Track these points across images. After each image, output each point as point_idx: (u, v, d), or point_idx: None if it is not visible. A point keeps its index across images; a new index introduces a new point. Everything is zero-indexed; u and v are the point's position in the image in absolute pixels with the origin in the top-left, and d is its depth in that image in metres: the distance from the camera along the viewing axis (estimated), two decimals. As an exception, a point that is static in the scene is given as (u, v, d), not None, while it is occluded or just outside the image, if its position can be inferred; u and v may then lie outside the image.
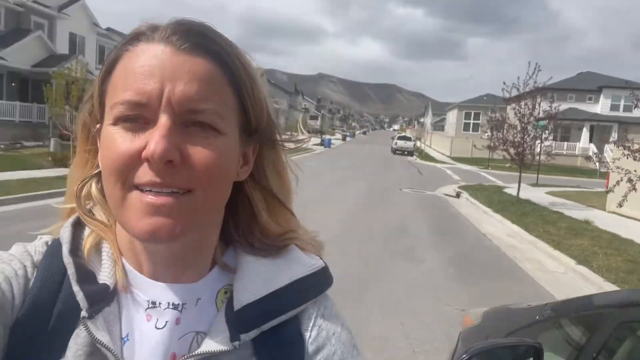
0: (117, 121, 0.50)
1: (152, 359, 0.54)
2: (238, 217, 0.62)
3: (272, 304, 0.56)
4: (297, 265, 0.60)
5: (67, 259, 0.54)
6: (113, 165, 0.49)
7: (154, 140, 0.47)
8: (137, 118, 0.49)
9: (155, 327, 0.54)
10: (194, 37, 0.51)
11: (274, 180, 0.62)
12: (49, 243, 0.59)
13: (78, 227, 0.59)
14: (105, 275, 0.55)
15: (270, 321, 0.56)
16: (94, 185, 0.60)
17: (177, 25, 0.52)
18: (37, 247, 0.58)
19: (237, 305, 0.56)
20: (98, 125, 0.55)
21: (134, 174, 0.49)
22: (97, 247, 0.57)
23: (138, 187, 0.49)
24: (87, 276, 0.54)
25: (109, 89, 0.52)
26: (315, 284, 0.61)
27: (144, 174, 0.48)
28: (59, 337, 0.51)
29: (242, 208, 0.62)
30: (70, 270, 0.53)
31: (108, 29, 30.40)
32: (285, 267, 0.60)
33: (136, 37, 0.53)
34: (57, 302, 0.53)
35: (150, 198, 0.48)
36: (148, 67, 0.49)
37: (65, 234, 0.57)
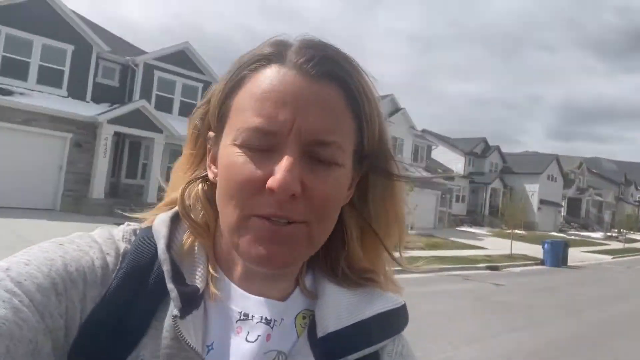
0: (242, 144, 0.51)
1: None
2: (329, 241, 0.59)
3: (358, 334, 0.56)
4: (379, 300, 0.60)
5: (164, 255, 0.53)
6: (234, 189, 0.50)
7: (280, 171, 0.48)
8: (264, 145, 0.50)
9: (246, 339, 0.54)
10: (326, 65, 0.52)
11: (378, 211, 0.60)
12: (137, 232, 0.58)
13: (174, 222, 0.58)
14: (196, 279, 0.54)
15: (357, 352, 0.55)
16: (200, 186, 0.60)
17: (309, 50, 0.52)
18: (125, 234, 0.57)
19: (321, 331, 0.55)
20: (211, 133, 0.57)
21: (255, 203, 0.49)
22: (191, 248, 0.56)
23: (257, 216, 0.49)
24: (178, 276, 0.53)
25: (234, 106, 0.53)
26: (397, 321, 0.60)
27: (266, 206, 0.49)
28: (132, 333, 0.50)
29: (334, 232, 0.59)
30: (166, 267, 0.52)
31: (423, 131, 34.30)
32: (367, 299, 0.59)
33: (266, 58, 0.53)
34: (139, 298, 0.51)
35: (269, 226, 0.49)
36: (282, 95, 0.50)
37: (162, 228, 0.56)
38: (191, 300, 0.51)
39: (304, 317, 0.59)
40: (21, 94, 14.60)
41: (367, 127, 0.55)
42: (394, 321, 0.60)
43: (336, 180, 0.52)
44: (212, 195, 0.57)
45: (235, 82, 0.54)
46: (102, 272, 0.52)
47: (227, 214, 0.52)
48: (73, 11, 16.38)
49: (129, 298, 0.51)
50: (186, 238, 0.57)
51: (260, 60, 0.53)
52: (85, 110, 15.50)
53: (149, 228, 0.58)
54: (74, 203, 14.94)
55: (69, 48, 16.07)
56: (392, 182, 0.59)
